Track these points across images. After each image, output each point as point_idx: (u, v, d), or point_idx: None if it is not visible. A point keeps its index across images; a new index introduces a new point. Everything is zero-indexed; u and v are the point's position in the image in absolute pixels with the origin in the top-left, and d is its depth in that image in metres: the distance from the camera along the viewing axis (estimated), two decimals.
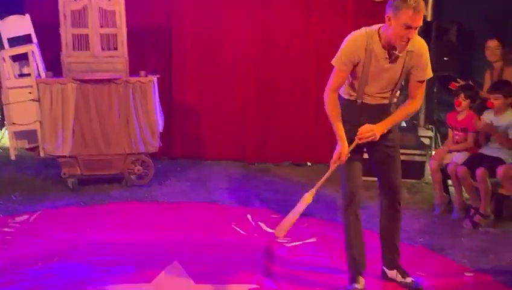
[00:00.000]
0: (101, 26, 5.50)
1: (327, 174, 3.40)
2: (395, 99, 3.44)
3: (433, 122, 6.80)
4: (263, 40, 6.61)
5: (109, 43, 5.54)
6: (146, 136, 5.64)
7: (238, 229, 4.60)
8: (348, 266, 3.54)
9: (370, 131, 3.26)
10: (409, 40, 3.08)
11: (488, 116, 4.94)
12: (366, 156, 3.57)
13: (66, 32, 5.45)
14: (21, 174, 6.07)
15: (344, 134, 3.31)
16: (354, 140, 3.31)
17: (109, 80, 5.51)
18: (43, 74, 5.51)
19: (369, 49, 3.17)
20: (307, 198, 3.50)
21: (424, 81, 3.34)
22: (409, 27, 3.02)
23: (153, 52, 6.59)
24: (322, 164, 6.91)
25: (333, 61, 3.30)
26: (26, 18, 5.59)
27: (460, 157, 4.99)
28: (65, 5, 5.39)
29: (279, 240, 3.94)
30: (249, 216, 4.90)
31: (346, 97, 3.43)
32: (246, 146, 6.84)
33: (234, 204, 5.33)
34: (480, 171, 4.62)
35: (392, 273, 3.61)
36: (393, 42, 3.11)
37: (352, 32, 3.25)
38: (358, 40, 3.19)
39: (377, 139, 3.30)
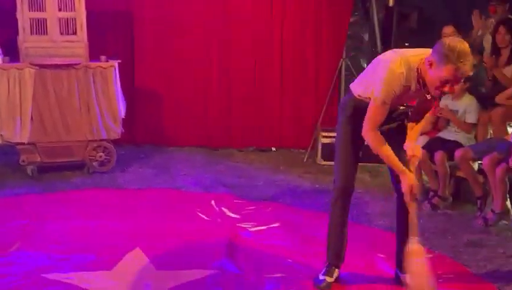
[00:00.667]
0: (60, 10, 5.40)
1: (412, 216, 3.11)
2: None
3: None
4: (224, 26, 6.59)
5: (68, 27, 5.45)
6: (108, 123, 5.59)
7: (202, 215, 4.60)
8: (327, 256, 3.47)
9: (416, 149, 3.20)
10: (443, 93, 2.95)
11: (445, 101, 5.02)
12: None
13: (23, 16, 5.34)
14: None
15: (399, 163, 3.09)
16: (355, 140, 3.23)
17: (68, 65, 5.42)
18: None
19: (406, 86, 2.98)
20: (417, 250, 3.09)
21: None
22: (447, 82, 2.83)
23: (113, 36, 6.51)
24: (286, 148, 6.99)
25: (378, 98, 2.99)
26: None
27: (419, 141, 5.07)
28: None
29: None
30: (212, 202, 4.90)
31: (362, 96, 3.21)
32: (209, 132, 6.84)
33: (198, 190, 5.33)
34: (439, 155, 4.74)
35: (405, 278, 3.22)
36: (429, 87, 2.93)
37: (391, 67, 2.95)
38: (398, 80, 2.94)
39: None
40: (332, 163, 6.15)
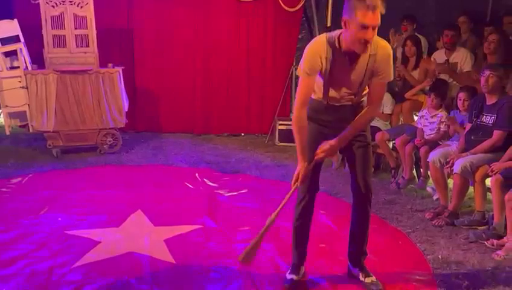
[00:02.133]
0: (75, 28, 5.25)
1: (287, 195, 2.61)
2: (363, 101, 2.65)
3: None
4: (206, 39, 6.49)
5: (82, 41, 5.30)
6: (114, 115, 5.48)
7: (189, 185, 4.58)
8: (293, 256, 2.86)
9: (330, 148, 2.51)
10: (367, 42, 2.30)
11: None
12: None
13: (47, 33, 5.18)
14: (15, 146, 5.77)
15: (304, 153, 2.53)
16: (317, 138, 2.60)
17: (83, 71, 5.29)
18: (29, 67, 5.25)
19: (329, 57, 2.42)
20: (272, 218, 2.66)
21: (385, 84, 2.55)
22: (365, 27, 2.24)
23: (118, 48, 6.35)
24: (252, 134, 6.98)
25: (297, 72, 2.54)
26: (15, 22, 5.33)
27: None
28: (46, 12, 5.12)
29: (242, 264, 2.77)
30: (196, 174, 4.88)
31: (314, 97, 2.63)
32: (194, 121, 6.77)
33: (185, 166, 5.28)
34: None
35: (355, 271, 2.85)
36: (352, 46, 2.34)
37: (313, 40, 2.48)
38: (317, 49, 2.42)
39: (336, 153, 2.65)
40: (286, 144, 6.28)
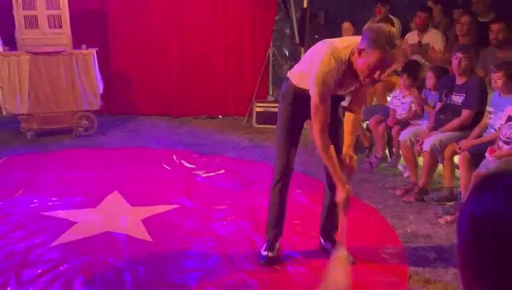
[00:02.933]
0: (48, 9, 5.17)
1: (342, 227, 2.63)
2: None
3: None
4: (180, 19, 6.45)
5: (55, 22, 5.24)
6: (89, 97, 5.44)
7: (166, 166, 4.60)
8: (267, 232, 2.89)
9: (354, 161, 2.62)
10: (375, 79, 2.32)
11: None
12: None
13: (18, 14, 5.10)
14: None
15: (342, 176, 2.49)
16: (297, 124, 2.69)
17: (56, 52, 5.22)
18: (1, 49, 5.14)
19: (339, 79, 2.39)
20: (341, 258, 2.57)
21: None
22: (378, 68, 2.24)
23: (91, 30, 6.25)
24: (229, 116, 7.01)
25: (315, 98, 2.38)
26: None
27: None
28: None
29: None
30: (174, 156, 4.89)
31: (300, 86, 2.58)
32: (171, 104, 6.76)
33: (162, 148, 5.30)
34: None
35: (327, 245, 2.93)
36: (359, 75, 2.32)
37: (322, 63, 2.35)
38: (330, 76, 2.35)
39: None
40: (263, 126, 6.34)
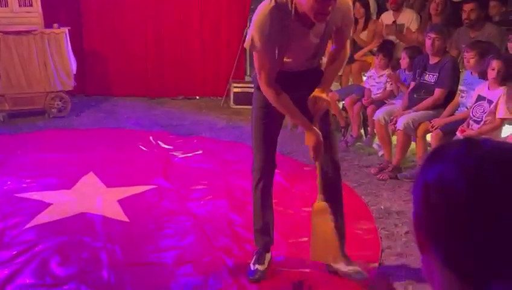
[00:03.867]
0: None
1: (318, 171, 2.32)
2: (321, 64, 2.43)
3: None
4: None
5: (25, 0, 5.09)
6: (62, 77, 5.35)
7: (142, 147, 4.57)
8: (255, 241, 2.53)
9: (322, 101, 2.20)
10: (326, 14, 1.99)
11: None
12: None
13: None
14: None
15: (304, 119, 2.21)
16: (272, 115, 2.31)
17: (27, 32, 5.10)
18: None
19: (284, 25, 2.06)
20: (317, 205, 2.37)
21: (348, 38, 2.32)
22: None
23: (63, 8, 6.11)
24: (207, 97, 6.98)
25: (249, 47, 2.12)
26: None
27: None
28: None
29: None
30: (150, 137, 4.86)
31: None
32: (147, 84, 6.69)
33: (138, 129, 5.26)
34: None
35: (342, 265, 2.46)
36: (309, 14, 2.00)
37: (260, 8, 2.08)
38: (270, 18, 2.04)
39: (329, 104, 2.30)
40: (241, 107, 6.34)
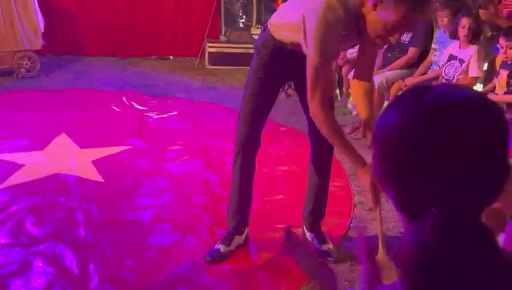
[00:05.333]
0: None
1: (379, 224, 1.80)
2: None
3: (261, 22, 6.92)
4: None
5: None
6: (29, 35, 5.15)
7: (116, 108, 4.51)
8: (227, 219, 2.35)
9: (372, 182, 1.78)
10: (386, 42, 1.82)
11: None
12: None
13: None
14: None
15: (358, 156, 1.89)
16: (273, 93, 2.15)
17: None
18: None
19: (346, 34, 1.81)
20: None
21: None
22: (395, 28, 1.69)
23: None
24: (181, 57, 6.87)
25: (316, 59, 1.78)
26: None
27: None
28: None
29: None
30: (124, 98, 4.79)
31: (278, 37, 2.01)
32: (119, 44, 6.52)
33: (111, 89, 5.16)
34: None
35: (311, 236, 2.44)
36: (370, 33, 1.77)
37: (322, 11, 1.73)
38: (335, 27, 1.75)
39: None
40: (216, 67, 6.28)
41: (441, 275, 0.57)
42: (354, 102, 2.23)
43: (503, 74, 3.15)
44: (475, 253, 0.58)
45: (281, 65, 2.03)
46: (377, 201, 1.79)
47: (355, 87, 2.08)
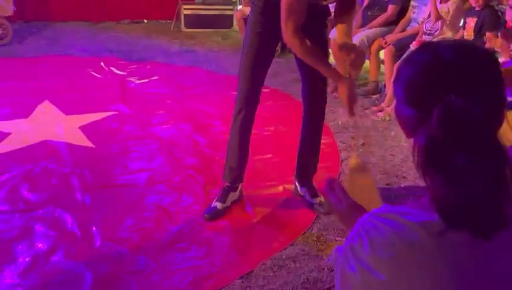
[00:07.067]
0: None
1: (356, 126, 2.15)
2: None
3: None
4: None
5: None
6: (0, 1, 4.95)
7: (95, 74, 4.46)
8: (224, 176, 2.42)
9: (359, 54, 1.97)
10: None
11: None
12: None
13: None
14: None
15: (334, 70, 2.01)
16: (268, 49, 2.14)
17: None
18: None
19: None
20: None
21: None
22: None
23: None
24: (155, 20, 6.74)
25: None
26: None
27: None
28: None
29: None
30: (102, 63, 4.75)
31: None
32: (89, 8, 6.34)
33: (87, 55, 5.07)
34: None
35: (303, 191, 2.51)
36: None
37: None
38: None
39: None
40: (193, 30, 6.20)
41: (449, 165, 0.67)
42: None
43: (470, 22, 3.25)
44: (478, 139, 0.66)
45: (275, 16, 1.99)
46: (352, 112, 1.98)
47: (338, 29, 2.10)
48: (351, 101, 1.95)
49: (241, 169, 2.39)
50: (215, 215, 2.36)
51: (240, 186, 2.46)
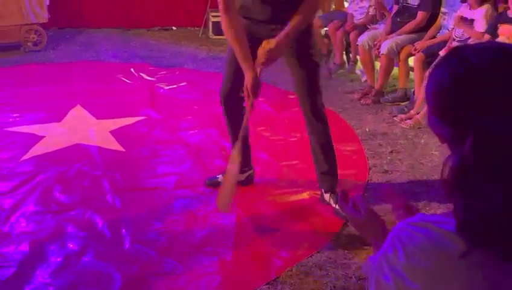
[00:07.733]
0: None
1: (244, 122, 2.23)
2: None
3: None
4: None
5: None
6: (35, 8, 5.14)
7: (125, 80, 4.54)
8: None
9: (274, 49, 2.03)
10: None
11: None
12: None
13: None
14: None
15: (249, 61, 2.08)
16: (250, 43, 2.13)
17: None
18: None
19: None
20: (234, 155, 2.28)
21: None
22: None
23: None
24: (184, 27, 6.82)
25: None
26: None
27: None
28: None
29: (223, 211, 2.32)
30: (132, 69, 4.82)
31: None
32: (122, 15, 6.48)
33: (118, 61, 5.17)
34: None
35: (327, 197, 2.46)
36: None
37: None
38: None
39: (281, 55, 2.14)
40: (221, 37, 6.24)
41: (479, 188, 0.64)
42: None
43: (505, 28, 3.15)
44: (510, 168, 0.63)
45: (254, 17, 2.14)
46: (251, 97, 2.12)
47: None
48: (252, 92, 2.10)
49: (243, 157, 2.31)
50: (214, 185, 2.55)
51: (248, 172, 2.60)
